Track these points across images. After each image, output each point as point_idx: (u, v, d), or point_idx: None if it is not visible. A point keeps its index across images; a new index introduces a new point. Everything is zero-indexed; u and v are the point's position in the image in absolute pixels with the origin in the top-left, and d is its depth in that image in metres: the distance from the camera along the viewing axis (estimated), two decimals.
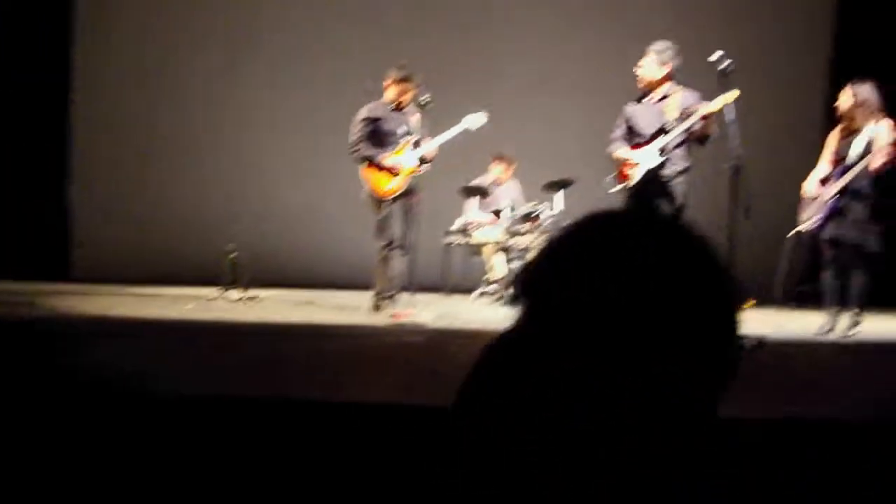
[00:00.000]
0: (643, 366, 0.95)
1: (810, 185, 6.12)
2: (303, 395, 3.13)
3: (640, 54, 5.94)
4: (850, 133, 5.98)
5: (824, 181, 6.06)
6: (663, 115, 5.75)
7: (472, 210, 8.28)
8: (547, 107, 9.43)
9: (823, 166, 6.11)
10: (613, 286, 0.96)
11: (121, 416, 2.65)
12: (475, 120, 6.74)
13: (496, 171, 8.67)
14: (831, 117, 6.33)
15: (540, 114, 9.45)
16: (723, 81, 5.21)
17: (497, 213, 8.14)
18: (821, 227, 6.01)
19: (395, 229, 6.49)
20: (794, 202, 6.24)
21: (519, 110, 9.30)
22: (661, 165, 5.71)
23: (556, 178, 8.06)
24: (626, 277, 0.96)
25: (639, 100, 5.93)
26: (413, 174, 6.56)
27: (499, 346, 1.03)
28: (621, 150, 5.86)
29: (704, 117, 5.48)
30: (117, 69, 9.39)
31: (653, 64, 5.77)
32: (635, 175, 5.79)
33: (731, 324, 1.01)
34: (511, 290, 0.98)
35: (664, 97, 5.78)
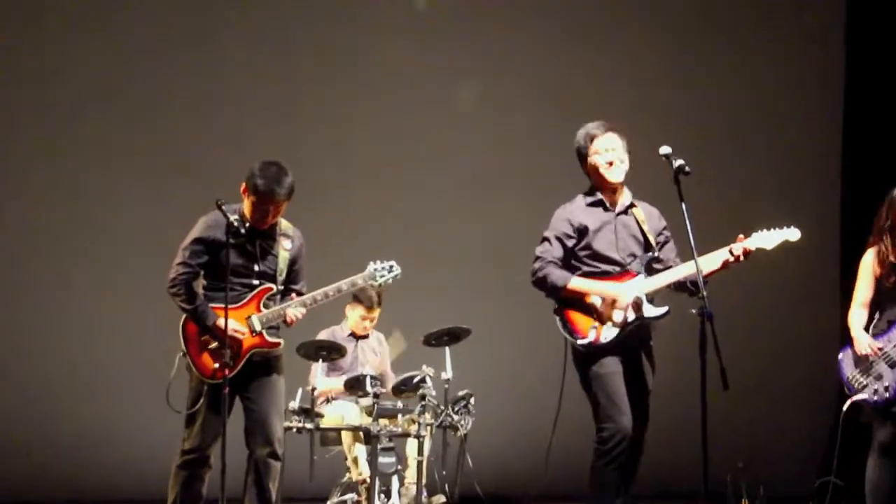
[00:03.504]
0: None
1: (864, 335, 5.28)
2: None
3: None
4: None
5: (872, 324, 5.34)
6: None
7: (320, 378, 6.55)
8: (429, 233, 8.36)
9: (860, 309, 5.38)
10: None
11: None
12: (383, 274, 5.04)
13: (354, 318, 7.02)
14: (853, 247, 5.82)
15: (421, 241, 8.20)
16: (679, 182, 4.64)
17: (356, 381, 6.44)
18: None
19: (210, 433, 4.76)
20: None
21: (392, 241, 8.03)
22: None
23: (444, 326, 6.71)
24: None
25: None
26: (260, 347, 4.80)
27: None
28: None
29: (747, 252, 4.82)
30: None
31: None
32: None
33: None
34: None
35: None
